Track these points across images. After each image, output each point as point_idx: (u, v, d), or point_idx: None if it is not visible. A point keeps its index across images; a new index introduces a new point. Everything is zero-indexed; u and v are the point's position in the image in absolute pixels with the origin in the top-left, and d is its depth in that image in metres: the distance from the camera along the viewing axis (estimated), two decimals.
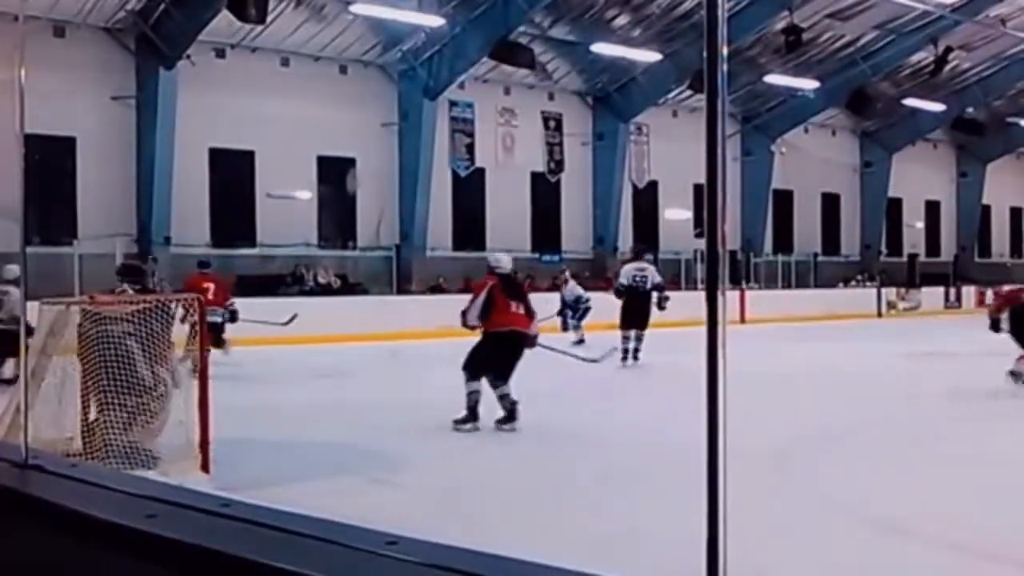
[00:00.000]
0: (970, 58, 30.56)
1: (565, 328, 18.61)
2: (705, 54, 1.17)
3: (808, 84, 28.61)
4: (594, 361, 11.68)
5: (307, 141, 22.57)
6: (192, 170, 20.98)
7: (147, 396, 6.79)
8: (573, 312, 18.86)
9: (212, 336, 10.38)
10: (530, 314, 9.04)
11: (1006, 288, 15.71)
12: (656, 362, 14.10)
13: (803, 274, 31.25)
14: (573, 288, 19.28)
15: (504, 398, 8.65)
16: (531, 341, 9.03)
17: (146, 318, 6.80)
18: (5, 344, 10.31)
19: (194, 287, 11.91)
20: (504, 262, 9.36)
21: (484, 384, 8.74)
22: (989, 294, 33.56)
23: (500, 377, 8.66)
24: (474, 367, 8.75)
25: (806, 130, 32.33)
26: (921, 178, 36.29)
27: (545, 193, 27.28)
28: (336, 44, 22.91)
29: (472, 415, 8.62)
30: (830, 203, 34.40)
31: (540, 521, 5.50)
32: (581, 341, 17.28)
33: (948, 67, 29.04)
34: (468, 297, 9.30)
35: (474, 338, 9.06)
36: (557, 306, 18.79)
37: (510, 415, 8.60)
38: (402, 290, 23.19)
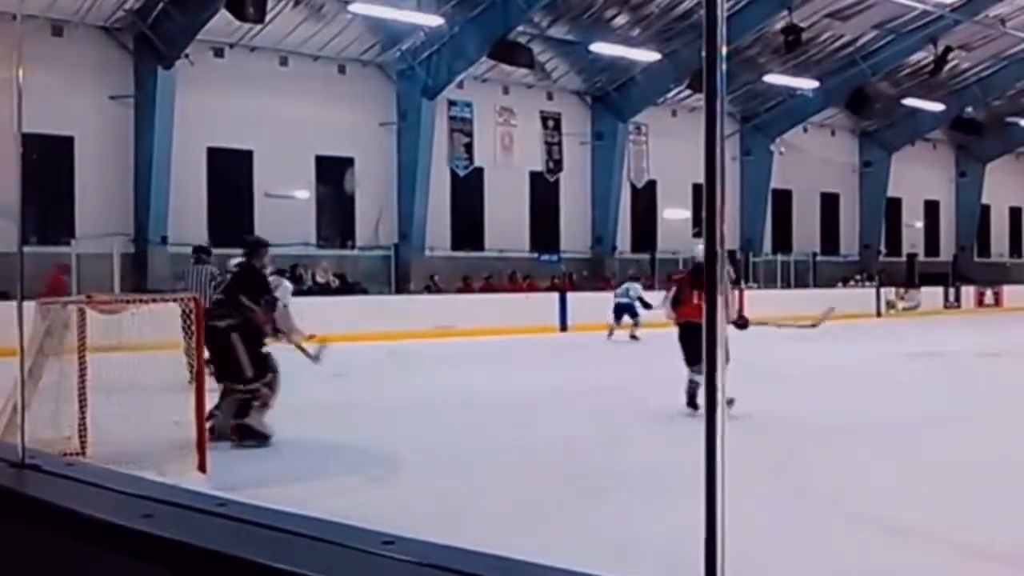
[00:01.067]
0: (969, 58, 30.58)
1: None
2: (704, 54, 1.17)
3: (807, 84, 28.62)
4: (813, 326, 11.82)
5: (306, 140, 22.57)
6: (190, 170, 20.98)
7: (257, 383, 7.92)
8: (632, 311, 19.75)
9: None
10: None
11: None
12: (658, 363, 14.09)
13: (802, 274, 31.26)
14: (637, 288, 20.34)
15: (690, 382, 9.34)
16: (740, 324, 9.70)
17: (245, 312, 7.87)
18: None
19: None
20: (696, 251, 9.91)
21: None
22: (989, 294, 33.65)
23: (688, 362, 9.40)
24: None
25: (805, 130, 32.35)
26: (920, 178, 36.32)
27: (544, 193, 27.29)
28: (335, 43, 22.91)
29: (689, 404, 9.27)
30: (829, 203, 34.42)
31: (538, 521, 5.49)
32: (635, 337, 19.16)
33: (947, 67, 29.04)
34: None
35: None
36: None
37: (688, 400, 9.29)
38: (401, 290, 23.19)
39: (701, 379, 9.11)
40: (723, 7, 1.17)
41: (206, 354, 7.31)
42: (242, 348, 7.97)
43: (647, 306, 19.04)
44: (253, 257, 8.68)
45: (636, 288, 19.97)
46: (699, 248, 10.34)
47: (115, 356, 7.09)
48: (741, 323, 9.75)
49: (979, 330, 21.70)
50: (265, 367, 8.06)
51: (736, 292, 9.93)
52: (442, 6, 22.02)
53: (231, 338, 7.97)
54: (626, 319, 19.61)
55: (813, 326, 11.58)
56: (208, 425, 7.65)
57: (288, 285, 10.43)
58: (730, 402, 7.91)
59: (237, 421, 7.85)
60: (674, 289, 9.84)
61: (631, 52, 25.32)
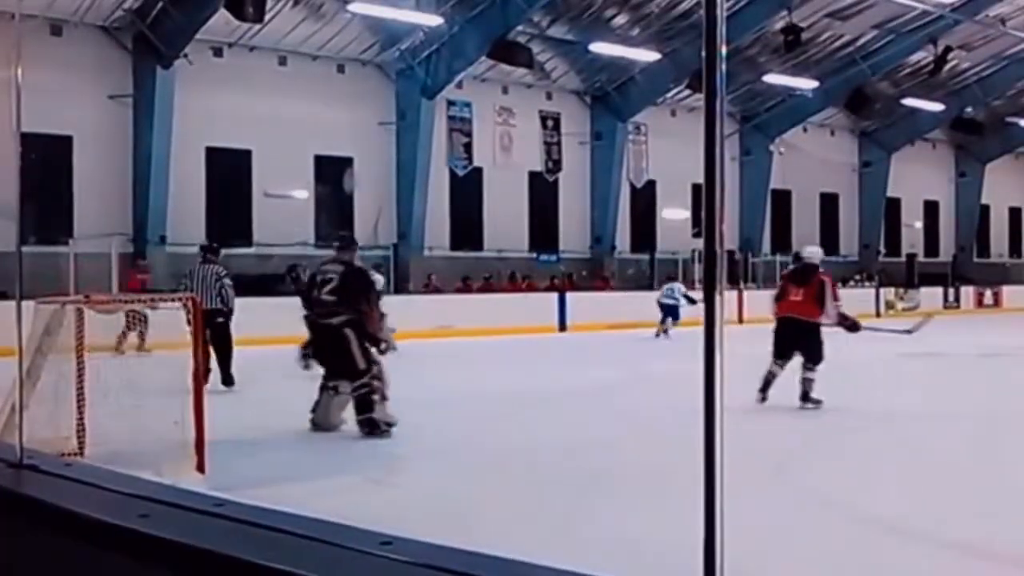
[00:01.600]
0: (969, 58, 30.56)
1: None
2: (704, 53, 1.16)
3: (807, 84, 28.60)
4: (908, 332, 11.92)
5: (304, 140, 22.55)
6: (189, 169, 20.97)
7: (367, 376, 8.12)
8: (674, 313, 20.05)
9: None
10: (815, 301, 9.82)
11: None
12: (656, 364, 14.11)
13: None
14: (680, 287, 20.69)
15: (804, 381, 9.72)
16: (850, 326, 10.14)
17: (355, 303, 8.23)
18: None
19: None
20: (805, 252, 10.61)
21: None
22: (988, 294, 33.64)
23: (777, 357, 9.83)
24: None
25: (805, 130, 32.32)
26: (920, 178, 36.30)
27: (543, 192, 27.27)
28: (334, 43, 22.90)
29: (760, 390, 9.62)
30: (829, 203, 34.40)
31: (537, 521, 5.49)
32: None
33: (947, 67, 29.03)
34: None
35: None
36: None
37: (802, 395, 9.68)
38: (400, 289, 23.16)
39: (812, 375, 9.64)
40: (723, 7, 1.17)
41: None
42: (355, 341, 8.18)
43: (692, 302, 19.28)
44: (344, 252, 8.76)
45: (679, 287, 20.42)
46: (809, 249, 10.66)
47: (114, 355, 7.10)
48: (851, 325, 9.91)
49: (979, 330, 21.67)
50: (371, 361, 8.25)
51: (838, 292, 10.18)
52: (441, 6, 22.00)
53: (345, 332, 8.19)
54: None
55: (909, 332, 11.70)
56: (309, 418, 8.30)
57: (380, 279, 10.61)
58: (817, 403, 8.07)
59: (363, 416, 8.11)
60: (778, 288, 10.47)
61: (630, 52, 25.30)
